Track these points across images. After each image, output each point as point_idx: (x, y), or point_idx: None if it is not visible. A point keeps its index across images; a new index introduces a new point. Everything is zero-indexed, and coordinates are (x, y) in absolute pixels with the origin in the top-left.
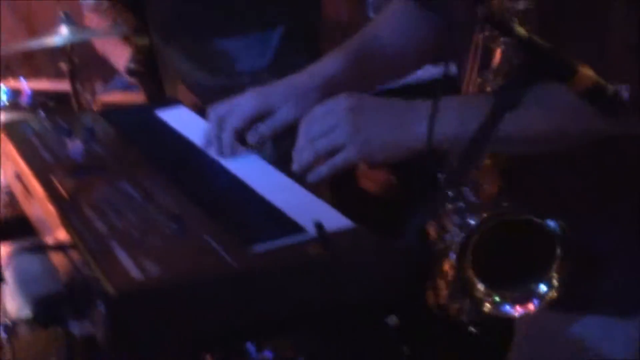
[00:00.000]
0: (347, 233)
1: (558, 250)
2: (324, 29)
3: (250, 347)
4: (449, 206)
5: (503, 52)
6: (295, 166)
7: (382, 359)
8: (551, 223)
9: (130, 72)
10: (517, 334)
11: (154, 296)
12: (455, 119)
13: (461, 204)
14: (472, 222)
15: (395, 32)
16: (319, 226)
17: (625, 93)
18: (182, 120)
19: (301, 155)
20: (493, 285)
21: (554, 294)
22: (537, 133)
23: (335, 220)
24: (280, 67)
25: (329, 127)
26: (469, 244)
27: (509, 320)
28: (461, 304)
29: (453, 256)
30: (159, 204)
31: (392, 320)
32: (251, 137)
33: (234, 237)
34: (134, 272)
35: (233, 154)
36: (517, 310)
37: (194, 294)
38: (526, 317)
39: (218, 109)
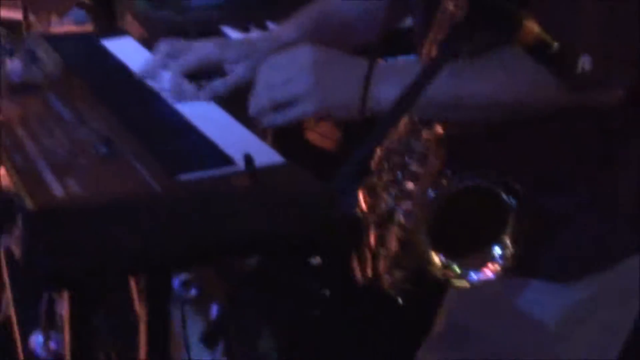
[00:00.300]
0: (277, 168)
1: (510, 217)
2: None
3: (175, 282)
4: (386, 177)
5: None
6: (250, 111)
7: (303, 299)
8: (502, 191)
9: (79, 3)
10: (447, 297)
11: (73, 214)
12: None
13: (400, 174)
14: (418, 193)
15: (352, 2)
16: (247, 158)
17: (587, 64)
18: (126, 50)
19: (258, 100)
20: (449, 255)
21: (510, 254)
22: (493, 100)
23: (266, 155)
24: (232, 6)
25: (290, 76)
26: (422, 216)
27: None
28: (396, 276)
29: (394, 229)
30: (91, 127)
31: (315, 261)
32: (204, 94)
33: (162, 164)
34: (57, 190)
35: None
36: (481, 276)
37: (114, 215)
38: None
39: (172, 44)
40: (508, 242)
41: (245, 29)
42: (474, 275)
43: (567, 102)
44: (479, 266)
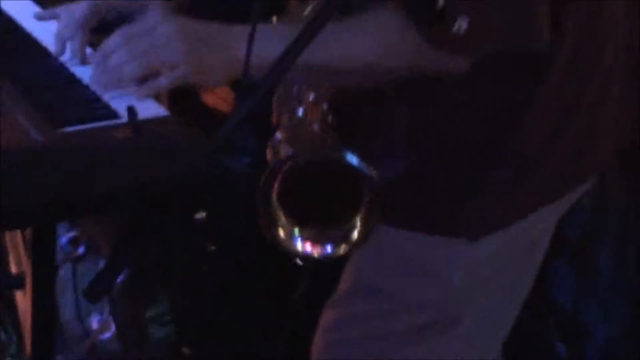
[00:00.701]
0: (161, 121)
1: (365, 196)
2: None
3: (63, 240)
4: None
5: None
6: (119, 79)
7: (188, 254)
8: (361, 166)
9: None
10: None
11: None
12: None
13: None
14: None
15: None
16: (130, 110)
17: (464, 23)
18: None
19: (128, 68)
20: (297, 221)
21: (352, 242)
22: (360, 62)
23: (152, 109)
24: None
25: (159, 45)
26: (275, 176)
27: None
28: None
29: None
30: None
31: (200, 215)
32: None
33: (45, 117)
34: None
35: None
36: (309, 249)
37: None
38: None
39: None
40: (358, 227)
41: None
42: (300, 244)
43: (427, 66)
44: (319, 241)
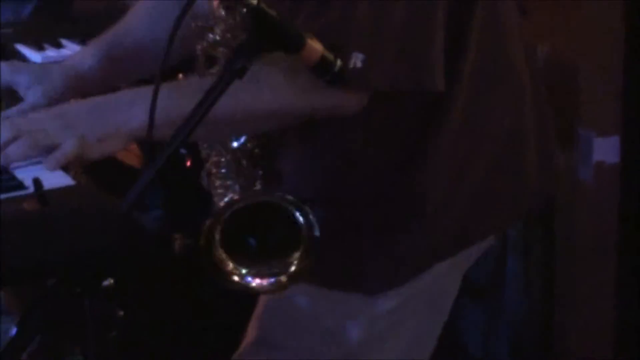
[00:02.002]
0: (67, 190)
1: (302, 239)
2: None
3: None
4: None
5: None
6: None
7: (97, 320)
8: (297, 211)
9: None
10: (258, 305)
11: None
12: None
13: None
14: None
15: (147, 20)
16: (36, 182)
17: (359, 61)
18: None
19: (12, 150)
20: (240, 261)
21: (287, 278)
22: (258, 110)
23: (57, 178)
24: (26, 24)
25: (39, 128)
26: (216, 224)
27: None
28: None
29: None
30: None
31: (108, 282)
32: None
33: None
34: None
35: None
36: (256, 284)
37: None
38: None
39: None
40: (294, 264)
41: (40, 47)
42: (250, 280)
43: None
44: (261, 276)
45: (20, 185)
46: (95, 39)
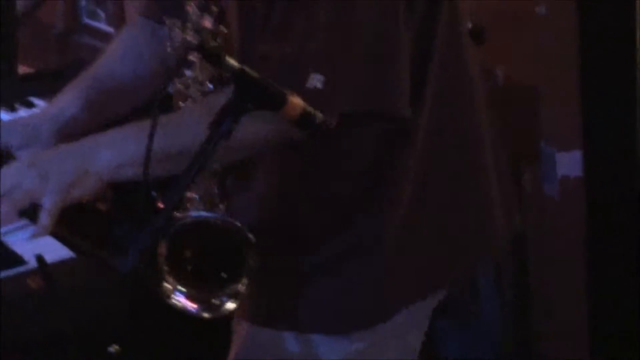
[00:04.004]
0: (68, 263)
1: (248, 262)
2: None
3: None
4: None
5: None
6: None
7: None
8: (247, 234)
9: None
10: (232, 349)
11: None
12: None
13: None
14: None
15: (127, 60)
16: (39, 258)
17: (318, 83)
18: None
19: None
20: (179, 276)
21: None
22: (242, 143)
23: (56, 250)
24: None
25: (14, 185)
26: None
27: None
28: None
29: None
30: None
31: (114, 348)
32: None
33: None
34: None
35: None
36: (191, 306)
37: None
38: (241, 330)
39: None
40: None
41: (11, 106)
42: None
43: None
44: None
45: (20, 260)
46: (74, 83)
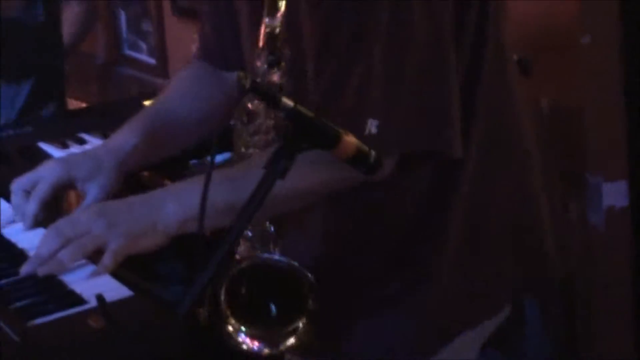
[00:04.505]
0: (127, 302)
1: (309, 303)
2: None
3: None
4: None
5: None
6: (57, 268)
7: None
8: (307, 275)
9: None
10: None
11: None
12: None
13: None
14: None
15: (186, 99)
16: (99, 298)
17: (373, 127)
18: None
19: (62, 256)
20: (242, 318)
21: (292, 342)
22: (303, 189)
23: (115, 289)
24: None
25: (83, 231)
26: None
27: None
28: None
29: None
30: None
31: None
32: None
33: (15, 310)
34: None
35: (37, 224)
36: (255, 346)
37: None
38: None
39: (21, 181)
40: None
41: (62, 143)
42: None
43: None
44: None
45: (80, 300)
46: (135, 117)
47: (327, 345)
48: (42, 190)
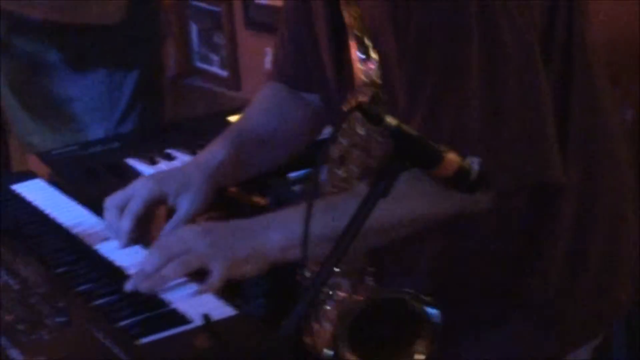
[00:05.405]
0: (232, 321)
1: (422, 330)
2: None
3: None
4: None
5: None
6: (160, 283)
7: None
8: (420, 305)
9: None
10: None
11: None
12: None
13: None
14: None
15: (270, 118)
16: (206, 317)
17: (476, 165)
18: (42, 196)
19: (165, 271)
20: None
21: None
22: (404, 218)
23: (218, 308)
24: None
25: (188, 248)
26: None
27: None
28: None
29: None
30: (39, 292)
31: None
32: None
33: (120, 329)
34: None
35: (132, 241)
36: None
37: None
38: None
39: (114, 198)
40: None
41: (151, 159)
42: None
43: (454, 208)
44: None
45: (184, 319)
46: (221, 136)
47: None
48: (135, 206)
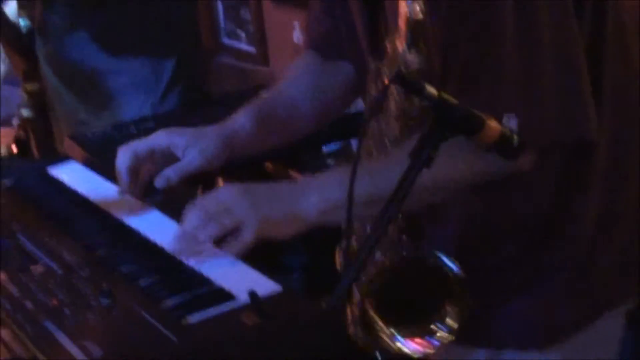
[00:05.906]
0: (277, 298)
1: (454, 291)
2: None
3: None
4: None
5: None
6: (197, 243)
7: None
8: (448, 264)
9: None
10: None
11: None
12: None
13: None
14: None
15: (305, 88)
16: (252, 295)
17: (513, 122)
18: (79, 179)
19: (202, 232)
20: (392, 322)
21: (449, 334)
22: (445, 181)
23: (262, 284)
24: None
25: (224, 206)
26: (370, 283)
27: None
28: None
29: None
30: (82, 276)
31: None
32: (158, 182)
33: (167, 309)
34: (78, 356)
35: (128, 185)
36: (414, 347)
37: None
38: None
39: (128, 144)
40: (450, 319)
41: None
42: (408, 346)
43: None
44: (418, 336)
45: (229, 296)
46: (248, 104)
47: (468, 325)
48: (137, 146)
